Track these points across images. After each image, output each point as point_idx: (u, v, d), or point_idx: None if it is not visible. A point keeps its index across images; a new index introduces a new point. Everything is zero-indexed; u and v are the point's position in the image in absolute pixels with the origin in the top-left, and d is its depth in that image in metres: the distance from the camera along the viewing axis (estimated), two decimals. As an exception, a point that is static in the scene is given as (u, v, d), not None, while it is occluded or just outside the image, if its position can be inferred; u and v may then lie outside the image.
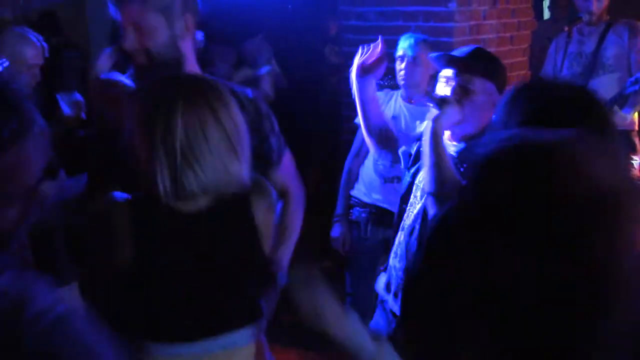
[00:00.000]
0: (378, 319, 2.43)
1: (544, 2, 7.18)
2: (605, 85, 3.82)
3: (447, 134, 2.19)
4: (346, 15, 4.41)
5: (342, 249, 3.39)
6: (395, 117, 3.25)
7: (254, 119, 1.90)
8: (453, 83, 2.11)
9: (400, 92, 3.34)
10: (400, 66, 3.23)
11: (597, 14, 3.83)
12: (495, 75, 2.14)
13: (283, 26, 5.35)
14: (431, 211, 2.04)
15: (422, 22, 4.00)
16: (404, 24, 4.09)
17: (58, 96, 2.88)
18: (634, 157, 3.56)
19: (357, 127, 3.21)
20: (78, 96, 2.92)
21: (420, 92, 3.22)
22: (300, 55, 5.35)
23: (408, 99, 3.29)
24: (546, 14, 7.21)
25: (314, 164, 4.79)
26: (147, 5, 1.91)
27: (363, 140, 3.22)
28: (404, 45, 3.23)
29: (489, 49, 4.18)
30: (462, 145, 2.15)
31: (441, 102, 2.05)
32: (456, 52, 2.24)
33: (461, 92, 2.09)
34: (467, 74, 2.10)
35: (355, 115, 3.17)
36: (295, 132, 3.43)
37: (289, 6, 5.52)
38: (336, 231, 3.40)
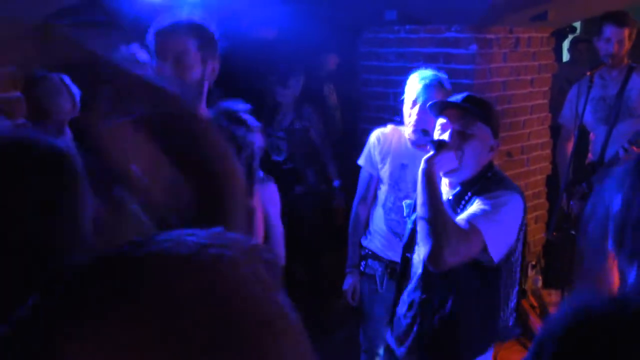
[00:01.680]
0: None
1: (563, 44, 7.20)
2: (630, 129, 3.79)
3: (444, 181, 2.22)
4: (367, 56, 4.43)
5: (353, 302, 3.33)
6: (404, 166, 3.01)
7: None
8: (449, 129, 2.13)
9: (406, 134, 3.02)
10: (410, 110, 2.93)
11: (618, 57, 3.82)
12: (490, 119, 2.20)
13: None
14: (423, 241, 2.04)
15: (443, 63, 4.01)
16: (424, 65, 4.10)
17: None
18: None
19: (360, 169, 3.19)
20: None
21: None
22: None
23: (417, 145, 2.95)
24: (565, 57, 7.24)
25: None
26: (193, 41, 1.96)
27: (368, 184, 3.16)
28: (416, 88, 2.94)
29: (509, 92, 4.20)
30: (458, 189, 2.17)
31: (439, 145, 2.09)
32: (451, 99, 2.28)
33: (459, 137, 2.13)
34: (464, 119, 2.13)
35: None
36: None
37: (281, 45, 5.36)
38: (347, 283, 3.30)
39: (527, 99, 4.38)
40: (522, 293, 3.46)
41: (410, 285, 2.31)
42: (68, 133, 2.81)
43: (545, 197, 4.73)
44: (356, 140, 4.30)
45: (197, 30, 2.04)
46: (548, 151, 4.66)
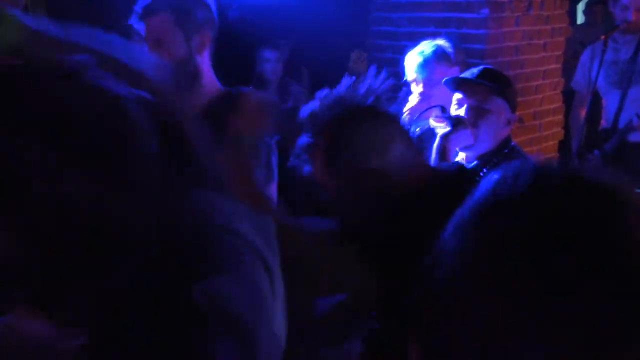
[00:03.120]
0: None
1: (577, 6, 7.08)
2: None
3: (461, 155, 2.22)
4: (377, 21, 4.39)
5: None
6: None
7: None
8: (465, 105, 2.12)
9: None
10: (415, 89, 2.84)
11: (636, 23, 3.76)
12: (506, 92, 2.19)
13: (308, 31, 5.17)
14: None
15: (455, 28, 3.97)
16: (435, 31, 4.06)
17: None
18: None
19: None
20: None
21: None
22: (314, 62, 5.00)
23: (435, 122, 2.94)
24: (580, 19, 7.12)
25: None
26: (168, 19, 1.94)
27: None
28: (412, 67, 2.84)
29: (522, 57, 4.15)
30: (475, 163, 2.18)
31: (456, 121, 2.10)
32: (466, 74, 2.27)
33: (475, 113, 2.13)
34: (480, 94, 2.13)
35: None
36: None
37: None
38: None
39: (539, 64, 4.33)
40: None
41: None
42: None
43: (558, 164, 4.71)
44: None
45: (172, 6, 1.98)
46: (560, 116, 4.63)
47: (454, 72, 2.75)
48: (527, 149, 4.34)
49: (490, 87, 2.15)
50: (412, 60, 2.87)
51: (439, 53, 2.83)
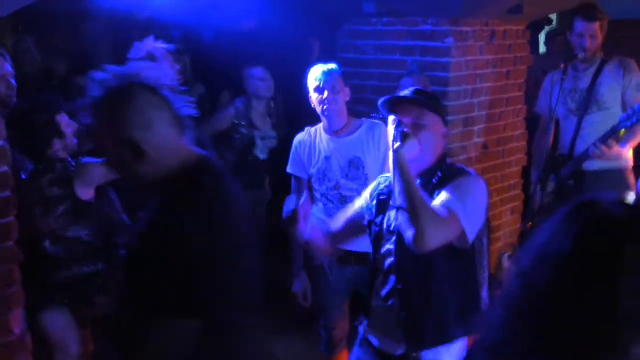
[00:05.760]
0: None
1: (539, 36, 7.28)
2: (598, 122, 3.86)
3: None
4: (345, 48, 4.46)
5: (304, 302, 3.42)
6: (327, 158, 3.27)
7: None
8: (402, 123, 2.22)
9: (322, 125, 3.33)
10: (320, 97, 3.21)
11: (591, 50, 3.88)
12: (439, 108, 2.35)
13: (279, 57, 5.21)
14: (405, 227, 2.12)
15: (419, 56, 4.06)
16: (400, 58, 4.14)
17: None
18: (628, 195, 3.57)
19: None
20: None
21: (341, 122, 3.25)
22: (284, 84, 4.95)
23: (333, 132, 3.28)
24: (542, 48, 7.32)
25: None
26: None
27: (298, 186, 3.36)
28: (318, 76, 3.23)
29: (485, 84, 4.25)
30: (418, 181, 2.24)
31: (403, 135, 2.20)
32: (401, 94, 2.41)
33: (414, 128, 2.24)
34: (415, 112, 2.26)
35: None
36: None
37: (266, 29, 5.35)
38: (296, 286, 3.42)
39: (502, 91, 4.44)
40: (497, 283, 3.54)
41: (382, 277, 2.36)
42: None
43: (521, 189, 4.80)
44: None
45: None
46: (524, 143, 4.73)
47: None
48: (491, 174, 4.43)
49: (425, 103, 2.27)
50: (315, 73, 3.28)
51: (334, 69, 3.30)
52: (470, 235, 2.16)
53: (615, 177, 3.86)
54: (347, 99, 3.29)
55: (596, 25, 3.83)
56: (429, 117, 2.26)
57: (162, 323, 1.56)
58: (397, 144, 2.18)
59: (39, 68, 5.00)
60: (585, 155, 3.77)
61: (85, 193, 3.04)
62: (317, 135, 3.34)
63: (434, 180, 2.27)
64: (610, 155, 3.68)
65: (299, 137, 3.39)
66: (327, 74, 3.23)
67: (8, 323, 2.45)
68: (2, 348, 2.43)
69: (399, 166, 2.15)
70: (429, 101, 2.30)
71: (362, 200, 2.53)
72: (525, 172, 4.75)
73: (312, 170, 3.32)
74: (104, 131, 1.71)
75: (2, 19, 2.59)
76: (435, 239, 2.07)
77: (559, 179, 3.94)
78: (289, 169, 3.39)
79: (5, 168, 2.42)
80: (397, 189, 2.16)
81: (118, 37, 4.40)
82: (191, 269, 1.56)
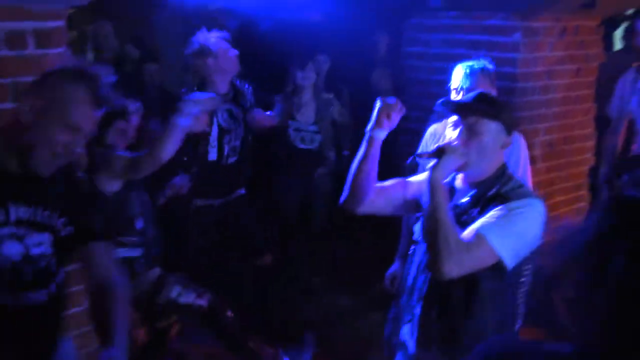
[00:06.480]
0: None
1: (615, 33, 7.03)
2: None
3: (459, 177, 2.23)
4: (411, 42, 4.44)
5: (391, 288, 3.40)
6: None
7: None
8: (460, 127, 2.15)
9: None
10: (456, 98, 3.00)
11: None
12: (499, 115, 2.17)
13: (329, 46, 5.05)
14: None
15: (486, 51, 3.99)
16: (466, 52, 4.09)
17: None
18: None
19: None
20: None
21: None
22: (347, 80, 4.97)
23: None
24: (618, 44, 7.06)
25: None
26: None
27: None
28: (459, 76, 3.05)
29: (554, 81, 4.15)
30: (474, 191, 2.16)
31: (438, 152, 2.11)
32: (462, 99, 2.34)
33: (468, 134, 2.13)
34: (472, 117, 2.15)
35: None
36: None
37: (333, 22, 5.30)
38: (390, 270, 3.37)
39: (572, 89, 4.33)
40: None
41: (423, 279, 2.29)
42: None
43: (587, 189, 4.67)
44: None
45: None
46: (592, 142, 4.60)
47: (492, 92, 2.86)
48: (555, 174, 4.33)
49: (484, 110, 2.16)
50: (458, 72, 3.08)
51: (483, 68, 3.07)
52: (510, 264, 2.03)
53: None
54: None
55: None
56: (487, 125, 2.13)
57: None
58: (433, 162, 2.08)
59: (116, 54, 5.18)
60: None
61: (109, 185, 3.00)
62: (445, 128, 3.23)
63: (488, 194, 2.13)
64: None
65: (433, 127, 3.25)
66: (469, 76, 3.03)
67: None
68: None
69: (432, 184, 2.05)
70: (490, 108, 2.17)
71: (418, 185, 2.39)
72: (593, 173, 4.62)
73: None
74: None
75: (84, 6, 2.69)
76: (457, 269, 1.97)
77: (634, 178, 3.82)
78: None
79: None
80: (424, 213, 2.07)
81: (187, 27, 4.50)
82: None
